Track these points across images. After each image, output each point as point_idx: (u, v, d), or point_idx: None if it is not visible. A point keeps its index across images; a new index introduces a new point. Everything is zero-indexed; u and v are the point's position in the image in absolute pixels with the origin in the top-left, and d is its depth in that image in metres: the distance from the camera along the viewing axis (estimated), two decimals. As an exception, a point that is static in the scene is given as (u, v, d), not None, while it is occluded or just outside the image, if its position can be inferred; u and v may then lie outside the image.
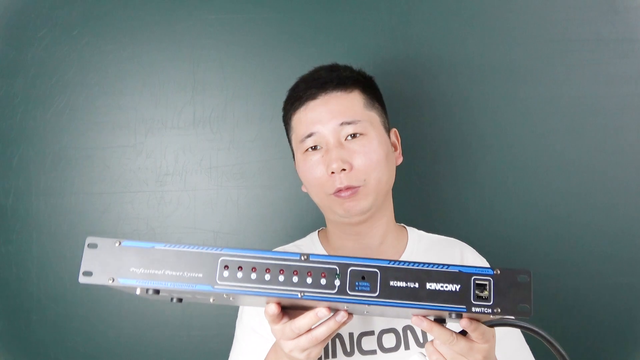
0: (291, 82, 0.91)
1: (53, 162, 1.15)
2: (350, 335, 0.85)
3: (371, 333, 0.85)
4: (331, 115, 0.84)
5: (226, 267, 0.58)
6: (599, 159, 1.17)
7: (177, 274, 0.58)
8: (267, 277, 0.58)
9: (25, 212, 1.14)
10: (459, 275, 0.56)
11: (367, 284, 0.57)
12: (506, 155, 1.17)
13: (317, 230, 0.98)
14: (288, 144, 0.94)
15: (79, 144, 1.16)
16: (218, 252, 0.58)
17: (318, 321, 0.61)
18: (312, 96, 0.86)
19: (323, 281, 0.57)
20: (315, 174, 0.85)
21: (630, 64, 1.17)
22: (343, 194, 0.83)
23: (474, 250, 0.96)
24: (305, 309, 0.61)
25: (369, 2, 1.17)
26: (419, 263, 0.57)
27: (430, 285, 0.56)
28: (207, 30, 1.16)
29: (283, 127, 0.93)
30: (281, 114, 0.93)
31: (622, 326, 1.16)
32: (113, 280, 0.57)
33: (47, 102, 1.15)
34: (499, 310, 0.55)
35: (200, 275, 0.58)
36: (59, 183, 1.15)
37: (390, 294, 0.56)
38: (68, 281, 1.13)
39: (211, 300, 0.63)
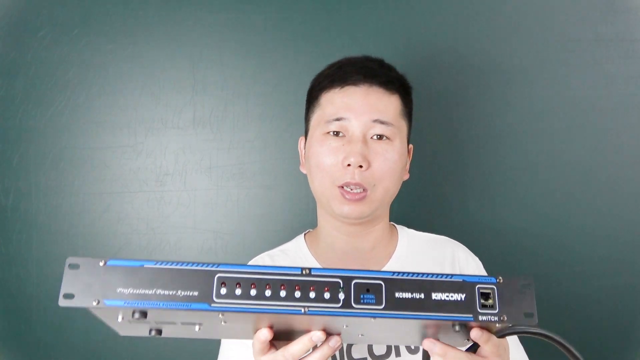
0: (291, 82, 0.91)
1: (53, 162, 1.15)
2: None
3: None
4: (367, 109, 0.81)
5: (223, 284, 0.54)
6: (598, 159, 1.17)
7: (170, 292, 0.53)
8: (268, 292, 0.54)
9: (25, 212, 1.14)
10: (463, 284, 0.56)
11: (373, 297, 0.55)
12: (506, 155, 1.17)
13: (303, 233, 0.95)
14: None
15: (79, 144, 1.16)
16: (214, 268, 0.54)
17: (312, 346, 0.58)
18: (355, 82, 0.83)
19: (327, 295, 0.55)
20: (329, 159, 0.82)
21: (630, 64, 1.17)
22: (348, 195, 0.81)
23: (466, 248, 0.94)
24: (296, 336, 0.59)
25: (369, 2, 1.17)
26: (423, 274, 0.56)
27: (436, 296, 0.55)
28: (207, 30, 1.16)
29: (283, 127, 0.93)
30: (281, 113, 0.92)
31: (622, 327, 1.16)
32: (98, 302, 0.53)
33: (47, 102, 1.15)
34: (505, 317, 0.55)
35: (196, 293, 0.53)
36: (59, 183, 1.15)
37: (396, 306, 0.55)
38: (68, 281, 1.13)
39: (197, 329, 0.59)
